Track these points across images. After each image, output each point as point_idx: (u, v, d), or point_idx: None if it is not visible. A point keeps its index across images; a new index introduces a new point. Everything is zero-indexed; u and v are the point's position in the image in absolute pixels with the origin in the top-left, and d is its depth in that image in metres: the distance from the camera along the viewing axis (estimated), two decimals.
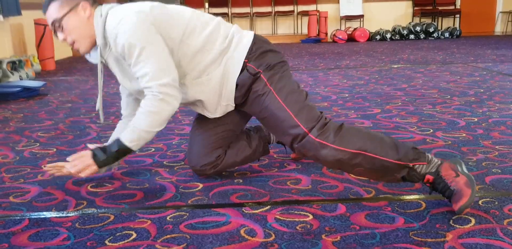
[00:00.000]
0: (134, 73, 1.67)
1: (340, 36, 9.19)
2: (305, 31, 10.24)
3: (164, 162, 2.16)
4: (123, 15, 1.64)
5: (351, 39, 9.35)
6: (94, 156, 1.71)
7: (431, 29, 9.27)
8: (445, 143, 2.36)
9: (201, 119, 1.93)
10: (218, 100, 1.78)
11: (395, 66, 5.31)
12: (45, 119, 3.13)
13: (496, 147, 2.28)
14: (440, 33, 9.31)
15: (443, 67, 5.12)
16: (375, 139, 1.62)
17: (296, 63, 5.86)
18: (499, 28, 10.93)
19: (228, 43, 1.75)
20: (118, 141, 1.69)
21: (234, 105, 1.80)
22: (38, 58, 5.77)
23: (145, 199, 1.74)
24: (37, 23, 5.78)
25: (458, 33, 9.37)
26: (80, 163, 1.71)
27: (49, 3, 1.71)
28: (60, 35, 1.73)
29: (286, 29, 10.52)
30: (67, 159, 1.75)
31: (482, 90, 3.72)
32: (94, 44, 1.75)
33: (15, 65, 4.61)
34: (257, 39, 1.79)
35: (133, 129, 1.67)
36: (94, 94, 4.05)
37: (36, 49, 5.87)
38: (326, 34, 9.71)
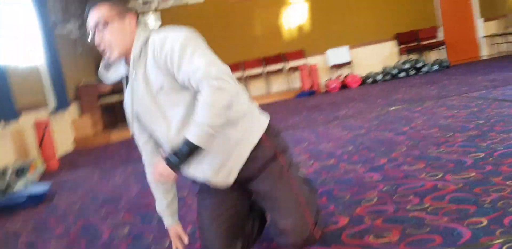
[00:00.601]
0: (184, 73, 1.61)
1: (333, 85, 9.31)
2: (297, 85, 10.40)
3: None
4: (174, 29, 1.68)
5: (344, 86, 9.46)
6: (169, 162, 1.63)
7: (420, 64, 9.39)
8: (457, 187, 2.32)
9: (206, 205, 1.91)
10: (226, 159, 1.74)
11: (392, 108, 5.33)
12: (55, 227, 3.10)
13: (507, 182, 2.24)
14: (429, 66, 9.42)
15: (438, 102, 5.14)
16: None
17: (296, 120, 5.89)
18: (485, 52, 11.06)
19: (250, 110, 1.80)
20: (187, 141, 1.60)
21: (236, 174, 1.77)
22: (41, 158, 5.83)
23: None
24: (37, 124, 5.89)
25: (447, 64, 9.48)
26: (164, 178, 1.67)
27: (99, 1, 1.73)
28: (97, 37, 1.71)
29: (279, 86, 10.68)
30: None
31: (481, 122, 3.70)
32: (123, 56, 1.75)
33: (19, 173, 4.65)
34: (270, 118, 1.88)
35: (196, 125, 1.60)
36: (99, 190, 4.04)
37: (38, 150, 5.94)
38: (319, 85, 9.85)
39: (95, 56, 9.85)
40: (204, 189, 1.95)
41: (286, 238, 1.74)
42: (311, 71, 9.80)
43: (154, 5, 10.43)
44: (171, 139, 1.73)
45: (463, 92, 5.53)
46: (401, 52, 10.53)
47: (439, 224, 1.93)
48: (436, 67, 9.44)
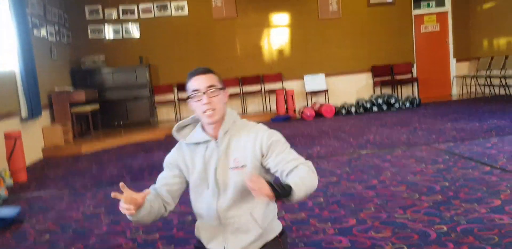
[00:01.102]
0: (282, 159, 1.93)
1: (308, 113, 9.48)
2: (273, 107, 10.56)
3: None
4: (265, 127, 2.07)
5: (318, 114, 9.64)
6: (270, 184, 1.74)
7: (392, 101, 9.66)
8: None
9: None
10: (258, 239, 2.01)
11: (364, 152, 5.50)
12: None
13: None
14: (401, 103, 9.70)
15: (408, 151, 5.33)
16: None
17: None
18: (455, 91, 11.45)
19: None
20: (291, 188, 1.77)
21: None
22: (9, 169, 5.78)
23: None
24: (6, 135, 5.83)
25: (417, 102, 9.78)
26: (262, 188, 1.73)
27: (208, 71, 2.00)
28: (207, 98, 1.94)
29: (255, 107, 10.82)
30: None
31: (447, 184, 3.89)
32: (218, 122, 2.00)
33: None
34: None
35: (299, 178, 1.84)
36: (69, 218, 4.06)
37: (7, 162, 5.88)
38: (294, 110, 10.01)
39: (70, 63, 9.80)
40: None
41: None
42: (288, 96, 9.97)
43: (135, 15, 10.43)
44: (216, 208, 1.99)
45: (431, 142, 5.75)
46: (375, 84, 10.82)
47: None
48: (407, 104, 9.72)
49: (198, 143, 2.04)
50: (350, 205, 3.60)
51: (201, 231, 2.10)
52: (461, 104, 9.44)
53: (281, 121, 9.59)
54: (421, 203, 3.48)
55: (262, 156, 1.97)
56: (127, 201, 1.81)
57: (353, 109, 9.64)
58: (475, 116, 7.54)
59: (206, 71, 2.00)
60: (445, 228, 2.95)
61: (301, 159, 1.97)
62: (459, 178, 4.04)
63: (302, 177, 1.85)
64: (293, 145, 6.34)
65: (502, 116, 7.28)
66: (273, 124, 9.33)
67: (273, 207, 2.11)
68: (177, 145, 2.13)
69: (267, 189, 1.69)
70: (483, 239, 2.72)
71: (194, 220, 2.25)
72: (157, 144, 8.10)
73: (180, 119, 9.49)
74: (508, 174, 4.02)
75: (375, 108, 9.66)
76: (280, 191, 1.73)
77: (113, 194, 1.81)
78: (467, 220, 3.05)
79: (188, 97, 2.01)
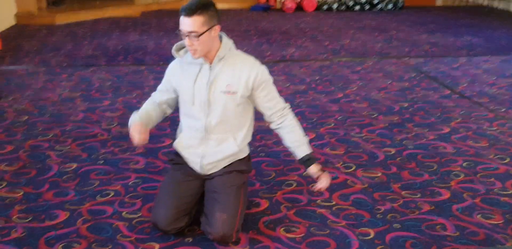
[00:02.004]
0: (272, 98, 2.27)
1: (289, 6, 9.34)
2: None
3: (123, 213, 2.50)
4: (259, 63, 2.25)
5: (299, 8, 9.52)
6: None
7: (376, 1, 9.56)
8: (362, 186, 2.80)
9: (175, 180, 2.33)
10: (230, 156, 2.33)
11: (336, 60, 5.66)
12: (4, 143, 3.34)
13: (402, 192, 2.74)
14: (384, 4, 9.62)
15: (379, 64, 5.52)
16: None
17: (244, 50, 6.07)
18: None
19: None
20: (311, 157, 2.32)
21: (217, 169, 2.33)
22: None
23: None
24: None
25: (401, 5, 9.71)
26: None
27: (195, 12, 2.02)
28: (188, 41, 2.07)
29: None
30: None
31: (406, 105, 4.16)
32: (205, 54, 2.15)
33: None
34: None
35: (306, 143, 2.34)
36: (46, 99, 4.22)
37: None
38: (276, 0, 9.82)
39: None
40: (177, 168, 2.37)
41: (212, 228, 2.19)
42: None
43: None
44: (204, 124, 2.25)
45: (403, 55, 5.92)
46: None
47: (337, 227, 2.42)
48: (390, 6, 9.65)
49: (191, 63, 2.21)
50: (313, 118, 3.87)
51: (183, 140, 2.35)
52: (442, 13, 9.44)
53: (260, 10, 9.46)
54: (378, 123, 3.77)
55: (253, 89, 2.20)
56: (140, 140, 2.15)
57: (334, 6, 9.53)
58: (452, 30, 7.64)
59: (192, 12, 2.02)
60: (393, 151, 3.27)
61: (283, 100, 2.32)
62: (419, 100, 4.31)
63: (299, 133, 2.35)
64: (269, 42, 6.48)
65: (477, 33, 7.41)
66: (251, 13, 9.21)
67: (251, 132, 2.38)
68: (169, 65, 2.36)
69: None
70: (423, 166, 3.06)
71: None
72: (132, 22, 8.00)
73: None
74: (464, 100, 4.30)
75: (357, 8, 9.57)
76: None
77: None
78: (414, 145, 3.37)
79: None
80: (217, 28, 2.11)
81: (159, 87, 2.38)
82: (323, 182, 2.29)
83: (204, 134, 2.27)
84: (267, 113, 2.31)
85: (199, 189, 2.34)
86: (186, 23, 2.04)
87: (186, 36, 2.06)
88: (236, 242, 2.26)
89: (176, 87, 2.30)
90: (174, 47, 2.26)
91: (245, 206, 2.35)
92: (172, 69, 2.33)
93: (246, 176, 2.41)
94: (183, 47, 2.25)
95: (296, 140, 2.33)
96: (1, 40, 5.98)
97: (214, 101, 2.21)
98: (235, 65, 2.19)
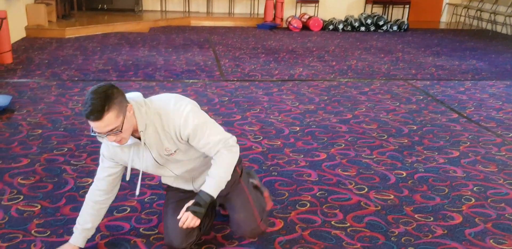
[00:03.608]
0: (205, 144, 2.10)
1: (295, 25, 9.46)
2: (261, 12, 10.44)
3: (140, 229, 2.53)
4: (180, 107, 2.07)
5: (305, 27, 9.64)
6: (195, 213, 2.12)
7: (381, 22, 9.69)
8: (375, 209, 2.84)
9: (174, 200, 2.36)
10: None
11: (344, 80, 5.73)
12: (20, 155, 3.37)
13: (415, 216, 2.78)
14: (389, 26, 9.75)
15: (385, 85, 5.58)
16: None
17: (253, 68, 6.17)
18: (444, 19, 11.49)
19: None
20: (206, 194, 2.13)
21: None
22: None
23: None
24: None
25: (405, 27, 9.84)
26: (191, 222, 2.13)
27: (103, 112, 1.84)
28: (112, 138, 1.94)
29: (242, 9, 10.68)
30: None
31: (415, 128, 4.21)
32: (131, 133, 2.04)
33: None
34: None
35: (215, 181, 2.14)
36: (59, 112, 4.26)
37: None
38: (282, 19, 9.95)
39: None
40: (173, 189, 2.42)
41: (239, 228, 2.35)
42: (277, 3, 9.83)
43: None
44: (176, 176, 2.30)
45: (410, 77, 6.00)
46: (367, 1, 10.73)
47: None
48: (395, 27, 9.78)
49: (123, 147, 2.12)
50: (323, 138, 3.91)
51: (169, 183, 2.43)
52: (447, 35, 9.56)
53: (267, 28, 9.57)
54: (388, 145, 3.81)
55: (187, 140, 2.11)
56: None
57: (340, 26, 9.66)
58: (457, 53, 7.74)
59: (101, 114, 1.85)
60: (404, 174, 3.31)
61: (222, 139, 2.12)
62: (427, 123, 4.36)
63: (217, 174, 2.15)
64: (277, 61, 6.56)
65: (482, 57, 7.51)
66: (258, 31, 9.32)
67: None
68: (102, 148, 2.22)
69: (197, 220, 2.13)
70: (435, 189, 3.10)
71: None
72: (141, 37, 8.09)
73: (166, 11, 9.29)
74: (472, 125, 4.35)
75: (362, 28, 9.70)
76: (204, 208, 2.14)
77: None
78: (425, 169, 3.41)
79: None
80: (129, 107, 1.98)
81: (103, 172, 2.24)
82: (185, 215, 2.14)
83: (185, 178, 2.35)
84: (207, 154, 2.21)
85: None
86: (101, 126, 1.88)
87: (107, 135, 1.93)
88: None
89: (122, 163, 2.22)
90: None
91: (254, 193, 2.45)
92: (110, 151, 2.18)
93: (237, 168, 2.32)
94: None
95: (211, 172, 2.16)
96: (12, 54, 6.04)
97: (166, 163, 2.20)
98: (163, 128, 2.07)
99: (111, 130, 1.91)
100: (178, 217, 2.15)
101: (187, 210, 2.14)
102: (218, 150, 2.12)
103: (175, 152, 2.14)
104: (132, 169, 2.22)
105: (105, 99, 1.86)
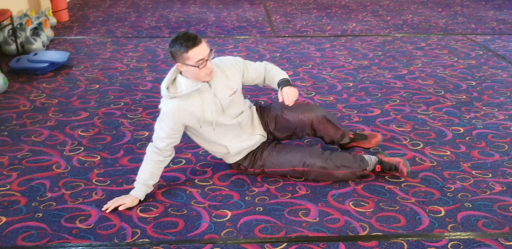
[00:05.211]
0: (255, 69, 2.57)
1: None
2: None
3: (196, 181, 2.59)
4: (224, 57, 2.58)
5: None
6: (289, 85, 2.47)
7: None
8: (431, 164, 2.79)
9: None
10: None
11: (399, 36, 5.54)
12: (79, 109, 3.49)
13: (473, 172, 2.71)
14: None
15: (443, 40, 5.36)
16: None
17: (304, 23, 6.05)
18: None
19: None
20: (281, 79, 2.52)
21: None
22: (52, 9, 5.90)
23: (186, 229, 2.20)
24: None
25: None
26: (293, 94, 2.42)
27: (200, 38, 2.23)
28: (209, 63, 2.26)
29: None
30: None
31: (474, 83, 4.06)
32: None
33: (36, 30, 4.81)
34: None
35: (281, 72, 2.60)
36: (114, 68, 4.35)
37: (50, 1, 5.97)
38: None
39: None
40: None
41: (308, 115, 2.60)
42: None
43: None
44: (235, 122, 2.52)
45: (469, 32, 5.73)
46: None
47: (407, 204, 2.43)
48: None
49: (189, 95, 2.33)
50: (377, 94, 3.83)
51: (235, 144, 2.59)
52: None
53: None
54: (445, 101, 3.70)
55: (242, 76, 2.53)
56: None
57: None
58: None
59: (199, 38, 2.21)
60: (462, 130, 3.22)
61: (261, 63, 2.62)
62: (487, 78, 4.19)
63: (278, 70, 2.60)
64: (329, 16, 6.39)
65: None
66: None
67: None
68: (170, 110, 2.33)
69: (294, 90, 2.42)
70: (494, 146, 3.01)
71: None
72: None
73: None
74: None
75: None
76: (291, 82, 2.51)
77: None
78: (484, 125, 3.30)
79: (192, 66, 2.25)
80: None
81: (163, 136, 2.37)
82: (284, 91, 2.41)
83: (235, 128, 2.54)
84: (260, 79, 2.60)
85: None
86: (203, 48, 2.21)
87: (206, 60, 2.22)
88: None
89: (194, 124, 2.40)
90: (163, 88, 2.34)
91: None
92: (174, 114, 2.33)
93: None
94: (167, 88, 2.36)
95: (273, 74, 2.55)
96: (67, 11, 6.15)
97: (228, 107, 2.45)
98: (224, 69, 2.44)
99: (210, 50, 2.25)
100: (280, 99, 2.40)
101: (281, 89, 2.42)
102: (264, 66, 2.59)
103: (235, 92, 2.44)
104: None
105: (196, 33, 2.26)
